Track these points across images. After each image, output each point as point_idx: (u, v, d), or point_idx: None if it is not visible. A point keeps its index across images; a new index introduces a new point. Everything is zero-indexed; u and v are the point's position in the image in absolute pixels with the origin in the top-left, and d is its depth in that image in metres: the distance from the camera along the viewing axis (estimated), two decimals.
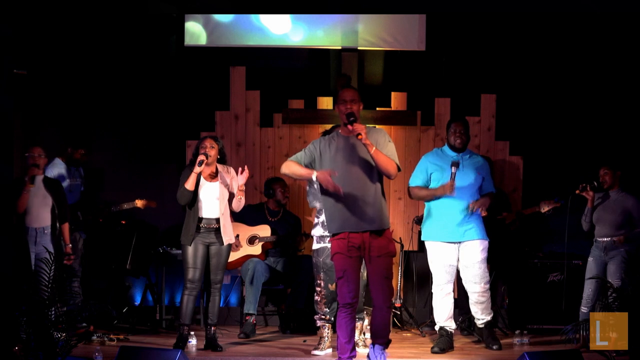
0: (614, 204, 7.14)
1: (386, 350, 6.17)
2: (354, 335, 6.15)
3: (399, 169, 6.04)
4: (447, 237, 7.00)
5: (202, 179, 6.94)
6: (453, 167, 6.85)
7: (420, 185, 7.06)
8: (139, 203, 7.62)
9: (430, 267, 7.13)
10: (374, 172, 5.99)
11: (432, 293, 7.20)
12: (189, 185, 6.84)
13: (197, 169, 6.82)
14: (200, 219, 6.93)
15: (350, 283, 5.95)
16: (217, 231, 6.94)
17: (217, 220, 6.94)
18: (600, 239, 7.16)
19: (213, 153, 6.94)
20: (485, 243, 7.06)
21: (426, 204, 7.14)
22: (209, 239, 6.95)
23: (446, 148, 7.15)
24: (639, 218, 7.09)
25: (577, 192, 7.17)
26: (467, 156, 7.11)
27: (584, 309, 7.14)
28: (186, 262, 6.93)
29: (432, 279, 7.14)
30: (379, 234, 5.97)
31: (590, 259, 7.22)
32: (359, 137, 5.90)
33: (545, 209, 7.46)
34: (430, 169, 7.04)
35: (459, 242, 7.01)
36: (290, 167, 6.08)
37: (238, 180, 6.93)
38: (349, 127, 5.94)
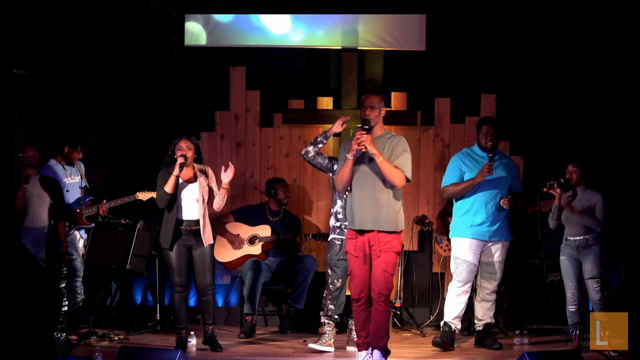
0: (580, 202, 7.12)
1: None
2: (368, 322, 6.16)
3: (408, 180, 6.07)
4: (476, 235, 7.04)
5: (180, 180, 6.88)
6: (490, 155, 6.97)
7: (454, 182, 7.08)
8: (140, 195, 7.59)
9: (452, 264, 7.13)
10: None
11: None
12: (168, 188, 6.77)
13: (177, 171, 6.74)
14: (181, 221, 6.86)
15: (356, 281, 6.11)
16: (197, 233, 6.89)
17: (197, 221, 6.88)
18: (572, 238, 7.12)
19: (190, 154, 6.86)
20: (508, 244, 7.16)
21: (455, 202, 7.16)
22: (189, 241, 6.89)
23: (476, 148, 7.19)
24: (601, 212, 7.04)
25: (545, 189, 7.16)
26: (497, 157, 7.14)
27: (571, 308, 7.14)
28: (171, 267, 6.91)
29: (453, 275, 7.12)
30: (386, 234, 6.06)
31: (562, 258, 7.21)
32: (363, 149, 5.97)
33: (546, 209, 7.46)
34: (464, 168, 7.07)
35: (486, 241, 7.05)
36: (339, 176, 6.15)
37: (222, 178, 6.84)
38: (357, 134, 5.98)
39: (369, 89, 7.57)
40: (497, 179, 7.06)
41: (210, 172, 7.02)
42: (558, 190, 7.10)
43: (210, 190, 6.96)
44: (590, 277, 6.93)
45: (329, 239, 7.09)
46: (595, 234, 7.03)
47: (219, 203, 6.92)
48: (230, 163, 6.90)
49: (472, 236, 7.05)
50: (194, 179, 6.92)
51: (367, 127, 6.04)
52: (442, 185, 7.21)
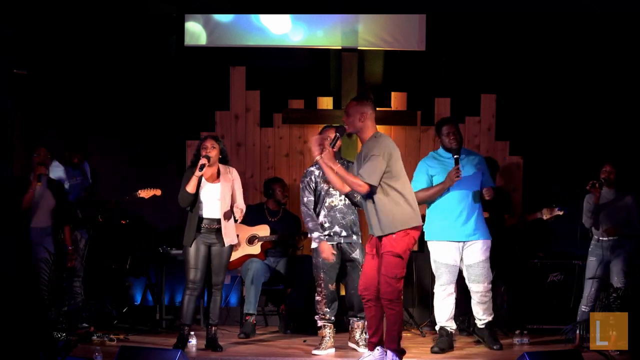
0: (615, 202, 7.15)
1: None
2: (376, 321, 6.21)
3: (371, 185, 6.05)
4: (451, 237, 7.00)
5: (203, 179, 6.92)
6: (455, 156, 6.92)
7: (424, 188, 7.03)
8: (142, 193, 7.58)
9: (432, 267, 7.11)
10: None
11: (432, 293, 7.19)
12: (190, 188, 6.82)
13: (198, 173, 6.79)
14: (202, 219, 6.91)
15: (362, 278, 6.26)
16: (218, 232, 6.93)
17: (218, 220, 6.92)
18: (605, 238, 7.16)
19: (214, 153, 6.91)
20: (489, 242, 7.06)
21: (428, 204, 7.12)
22: (210, 239, 6.94)
23: (441, 150, 7.11)
24: (638, 216, 7.12)
25: (588, 187, 7.16)
26: (464, 155, 7.10)
27: (584, 308, 7.15)
28: (188, 263, 6.92)
29: (434, 279, 7.12)
30: (385, 237, 6.10)
31: (592, 259, 7.21)
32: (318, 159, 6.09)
33: (547, 216, 7.45)
34: (431, 172, 7.03)
35: (463, 242, 7.01)
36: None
37: (235, 213, 6.94)
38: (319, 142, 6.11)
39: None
40: (466, 177, 6.97)
41: (235, 173, 7.04)
42: (599, 190, 7.12)
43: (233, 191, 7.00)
44: (618, 273, 7.00)
45: (317, 247, 7.02)
46: (626, 233, 7.11)
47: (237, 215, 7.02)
48: (242, 210, 6.96)
49: (447, 238, 7.00)
50: (217, 179, 6.94)
51: (337, 135, 6.16)
52: None
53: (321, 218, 6.96)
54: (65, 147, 7.78)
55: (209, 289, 7.18)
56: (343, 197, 6.96)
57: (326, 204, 6.94)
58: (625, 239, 7.13)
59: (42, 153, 7.29)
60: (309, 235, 7.05)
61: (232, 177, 7.02)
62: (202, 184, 6.91)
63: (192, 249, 6.88)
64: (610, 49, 8.54)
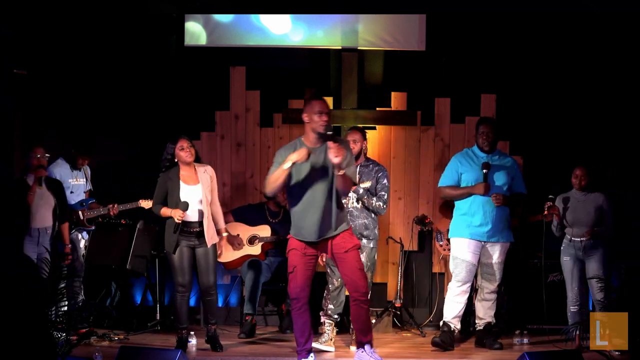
0: (586, 203, 7.16)
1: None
2: (307, 329, 6.17)
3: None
4: (476, 235, 7.04)
5: (181, 183, 6.86)
6: (484, 169, 6.97)
7: (452, 185, 7.09)
8: (142, 203, 7.59)
9: (451, 264, 7.14)
10: None
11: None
12: (161, 213, 6.83)
13: (174, 214, 6.76)
14: (185, 223, 6.84)
15: (301, 280, 6.14)
16: (200, 233, 6.90)
17: (200, 223, 6.88)
18: (577, 239, 7.16)
19: (193, 152, 6.87)
20: (508, 245, 7.16)
21: (456, 202, 7.18)
22: (193, 241, 6.90)
23: (476, 148, 7.21)
24: (609, 214, 7.11)
25: (545, 213, 7.21)
26: (497, 157, 7.15)
27: (573, 308, 7.17)
28: (173, 267, 6.89)
29: (452, 275, 7.13)
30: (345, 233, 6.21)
31: (566, 258, 7.23)
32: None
33: (550, 217, 7.48)
34: (461, 169, 7.07)
35: (485, 242, 7.05)
36: (269, 181, 6.10)
37: (231, 246, 7.11)
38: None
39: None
40: (496, 179, 7.05)
41: (211, 172, 7.02)
42: (556, 208, 7.18)
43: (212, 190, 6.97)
44: (592, 277, 6.95)
45: None
46: (600, 234, 7.07)
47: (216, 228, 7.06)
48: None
49: (470, 236, 7.06)
50: (196, 181, 6.91)
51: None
52: (439, 185, 7.28)
53: None
54: (76, 151, 7.75)
55: (200, 290, 7.13)
56: (354, 200, 7.01)
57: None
58: (599, 239, 7.11)
59: (40, 154, 7.26)
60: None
61: (210, 175, 6.98)
62: (181, 187, 6.85)
63: (176, 255, 6.85)
64: (610, 49, 8.53)
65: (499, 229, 7.07)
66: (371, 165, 7.25)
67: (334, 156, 5.83)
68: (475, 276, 7.21)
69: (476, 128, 7.23)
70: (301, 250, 6.12)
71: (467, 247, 7.06)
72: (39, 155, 7.21)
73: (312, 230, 6.05)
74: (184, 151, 6.85)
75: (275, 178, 6.01)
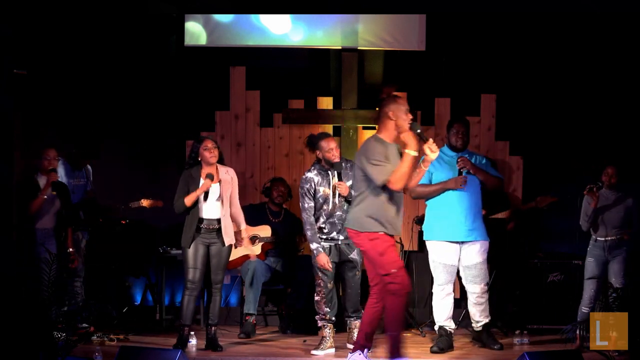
0: (615, 203, 7.15)
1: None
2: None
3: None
4: (450, 237, 7.01)
5: (202, 180, 6.92)
6: (460, 162, 6.95)
7: (422, 183, 7.05)
8: (145, 202, 7.59)
9: (430, 267, 7.13)
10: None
11: (432, 293, 7.20)
12: (189, 202, 6.84)
13: (200, 191, 6.82)
14: (201, 220, 6.91)
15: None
16: (218, 232, 6.94)
17: (218, 220, 6.93)
18: (603, 239, 7.16)
19: (217, 153, 6.93)
20: (487, 244, 7.08)
21: (428, 203, 7.14)
22: (210, 239, 6.94)
23: (445, 148, 7.16)
24: (638, 218, 7.13)
25: (585, 192, 7.15)
26: (466, 156, 7.12)
27: (584, 309, 7.15)
28: (186, 263, 6.92)
29: (433, 279, 7.13)
30: None
31: (590, 259, 7.22)
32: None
33: (542, 204, 7.47)
34: (431, 169, 7.04)
35: (462, 242, 7.02)
36: (398, 177, 6.01)
37: (243, 241, 7.11)
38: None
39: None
40: (469, 181, 7.02)
41: (232, 173, 7.08)
42: (597, 194, 7.11)
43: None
44: (618, 273, 7.00)
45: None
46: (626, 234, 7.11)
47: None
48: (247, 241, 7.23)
49: (446, 238, 7.02)
50: (217, 179, 6.94)
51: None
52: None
53: (320, 223, 7.01)
54: (77, 150, 7.75)
55: (209, 289, 7.18)
56: (342, 203, 7.00)
57: (325, 211, 6.99)
58: (624, 240, 7.12)
59: (52, 156, 7.28)
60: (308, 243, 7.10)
61: (231, 176, 7.03)
62: (200, 184, 6.90)
63: (190, 250, 6.88)
64: (610, 49, 8.53)
65: (476, 227, 7.01)
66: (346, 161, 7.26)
67: (431, 152, 5.93)
68: (461, 280, 7.17)
69: (448, 128, 7.20)
70: (394, 245, 6.17)
71: (444, 250, 7.02)
72: (51, 158, 7.24)
73: (400, 223, 6.14)
74: (208, 151, 6.90)
75: (405, 172, 5.95)
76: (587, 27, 8.48)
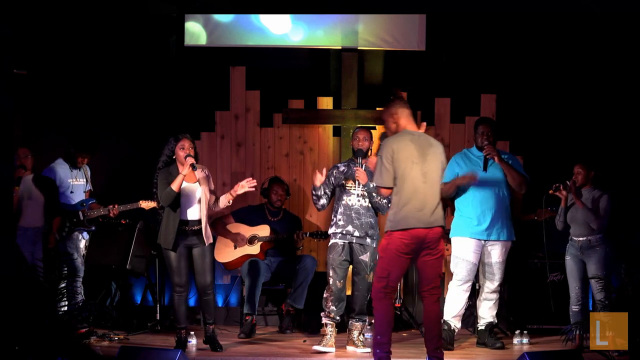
0: (593, 203, 7.13)
1: None
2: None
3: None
4: (476, 235, 7.05)
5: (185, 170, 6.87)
6: (487, 149, 7.02)
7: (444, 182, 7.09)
8: (143, 204, 7.60)
9: (451, 263, 7.14)
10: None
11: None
12: (176, 186, 6.75)
13: (186, 171, 6.75)
14: (185, 222, 6.85)
15: None
16: (199, 232, 6.90)
17: (199, 221, 6.89)
18: (576, 238, 7.15)
19: (193, 154, 6.86)
20: (509, 244, 7.16)
21: (456, 202, 7.18)
22: (191, 241, 6.90)
23: (474, 149, 7.23)
24: (603, 210, 7.05)
25: (550, 192, 7.18)
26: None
27: (574, 308, 7.16)
28: (171, 267, 6.89)
29: (453, 274, 7.13)
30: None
31: (567, 258, 7.23)
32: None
33: (541, 217, 7.48)
34: (457, 170, 7.07)
35: (485, 240, 7.05)
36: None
37: (239, 187, 6.92)
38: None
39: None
40: (495, 176, 7.05)
41: (207, 171, 7.03)
42: (564, 192, 7.12)
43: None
44: (592, 277, 6.95)
45: (331, 243, 7.07)
46: (599, 235, 7.04)
47: (224, 203, 6.99)
48: (252, 179, 6.98)
49: (470, 235, 7.06)
50: (195, 179, 6.92)
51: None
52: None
53: (338, 215, 7.01)
54: (75, 149, 7.75)
55: (197, 290, 7.12)
56: (362, 197, 7.00)
57: (343, 202, 7.01)
58: (597, 240, 7.08)
59: (21, 154, 7.29)
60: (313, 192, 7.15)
61: (206, 173, 6.99)
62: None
63: (174, 254, 6.85)
64: (610, 49, 8.53)
65: (500, 227, 7.07)
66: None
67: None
68: (477, 276, 7.21)
69: (475, 128, 7.24)
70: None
71: (467, 247, 7.06)
72: (21, 156, 7.27)
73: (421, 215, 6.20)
74: (183, 151, 6.85)
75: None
76: (587, 27, 8.48)
